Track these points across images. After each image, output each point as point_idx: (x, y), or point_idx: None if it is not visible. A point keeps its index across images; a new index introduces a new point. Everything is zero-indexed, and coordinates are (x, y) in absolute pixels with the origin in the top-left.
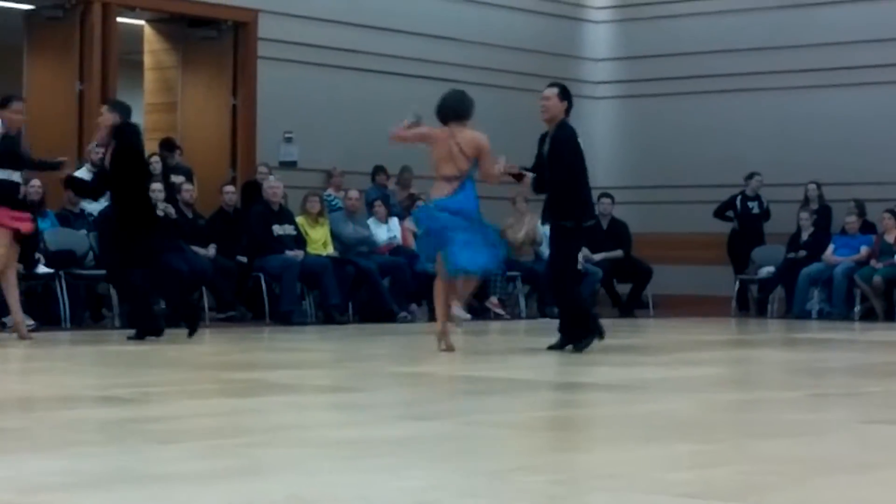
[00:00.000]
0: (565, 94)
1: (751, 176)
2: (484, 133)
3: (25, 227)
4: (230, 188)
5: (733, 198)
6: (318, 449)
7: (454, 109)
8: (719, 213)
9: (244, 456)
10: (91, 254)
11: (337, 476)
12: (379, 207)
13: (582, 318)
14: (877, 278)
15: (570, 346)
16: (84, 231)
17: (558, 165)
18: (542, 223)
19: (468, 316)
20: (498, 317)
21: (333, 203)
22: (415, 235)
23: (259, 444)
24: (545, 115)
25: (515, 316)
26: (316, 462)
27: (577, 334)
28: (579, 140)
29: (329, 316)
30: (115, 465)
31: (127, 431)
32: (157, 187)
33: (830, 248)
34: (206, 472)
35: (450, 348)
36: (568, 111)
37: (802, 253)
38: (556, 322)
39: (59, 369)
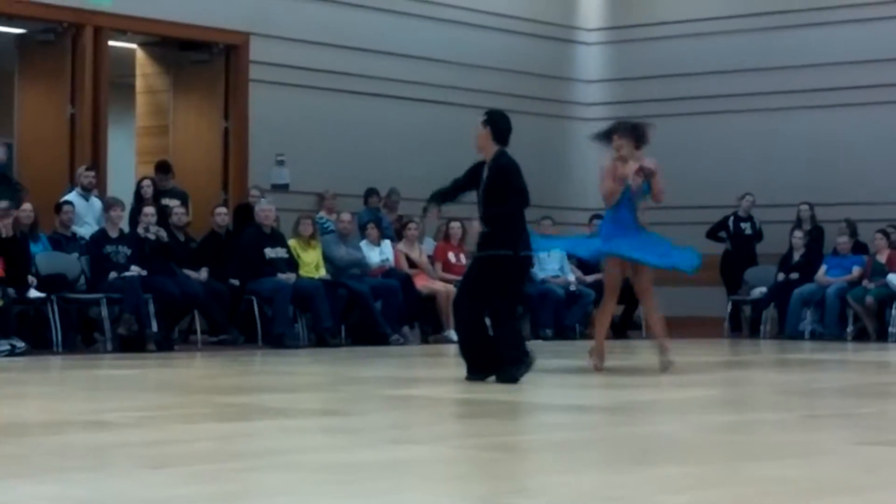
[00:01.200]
0: (488, 122)
1: (742, 196)
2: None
3: None
4: (222, 210)
5: (726, 219)
6: (310, 473)
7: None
8: (712, 234)
9: (236, 481)
10: (83, 277)
11: (329, 500)
12: (372, 230)
13: (517, 346)
14: (869, 298)
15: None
16: (76, 255)
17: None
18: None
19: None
20: None
21: (326, 226)
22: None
23: (251, 469)
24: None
25: None
26: (308, 486)
27: (509, 362)
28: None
29: (321, 339)
30: (106, 491)
31: (119, 456)
32: (148, 211)
33: (823, 268)
34: (198, 497)
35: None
36: (498, 138)
37: (795, 275)
38: (549, 343)
39: (50, 394)
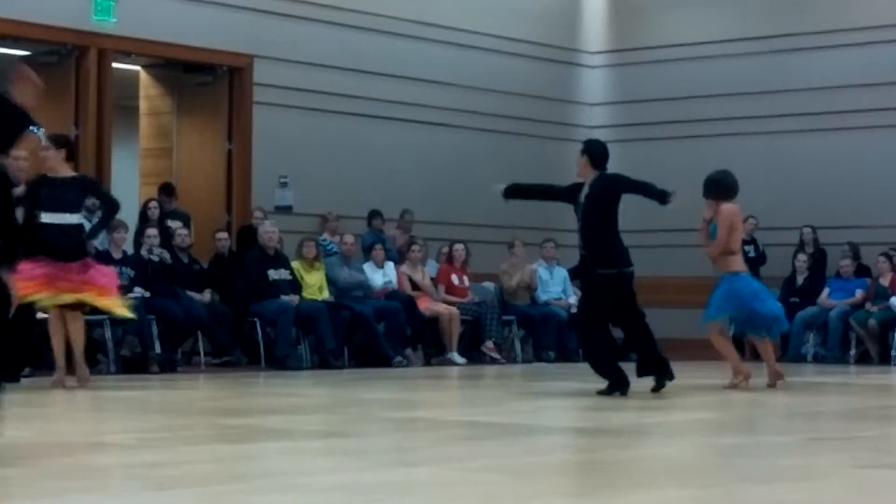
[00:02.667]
0: (585, 150)
1: (745, 219)
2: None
3: None
4: (223, 234)
5: None
6: (313, 495)
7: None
8: None
9: (239, 502)
10: None
11: None
12: (378, 252)
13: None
14: (872, 322)
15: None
16: None
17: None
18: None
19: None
20: (493, 361)
21: (329, 248)
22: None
23: (254, 491)
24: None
25: (511, 360)
26: None
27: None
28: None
29: (324, 360)
30: None
31: (122, 478)
32: (151, 233)
33: (826, 291)
34: None
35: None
36: (596, 164)
37: (795, 299)
38: (552, 366)
39: (53, 415)
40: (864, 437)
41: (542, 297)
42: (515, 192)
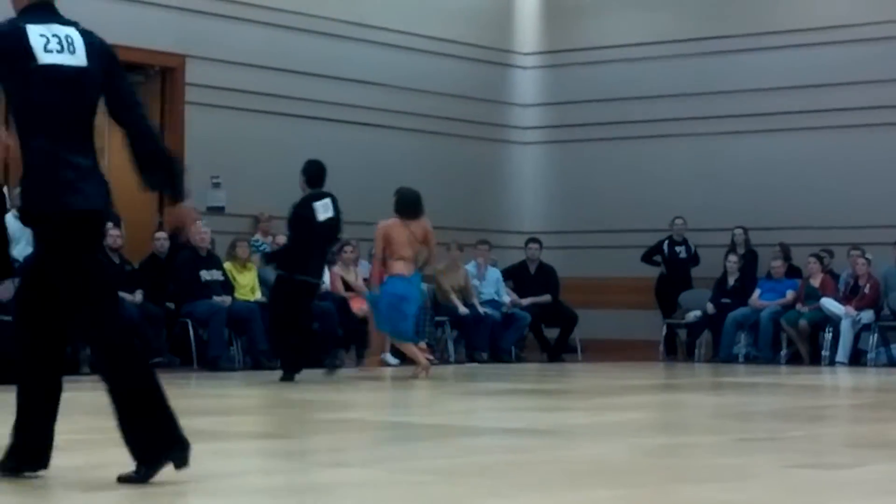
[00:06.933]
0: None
1: (673, 220)
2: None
3: None
4: (161, 234)
5: (660, 243)
6: (245, 497)
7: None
8: (647, 258)
9: None
10: None
11: None
12: None
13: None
14: (802, 322)
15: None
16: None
17: None
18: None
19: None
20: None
21: (261, 248)
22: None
23: (185, 493)
24: None
25: (444, 361)
26: None
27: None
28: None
29: (257, 361)
30: None
31: (49, 481)
32: None
33: (757, 292)
34: None
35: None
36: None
37: (726, 300)
38: (484, 367)
39: None
40: (795, 438)
41: (475, 299)
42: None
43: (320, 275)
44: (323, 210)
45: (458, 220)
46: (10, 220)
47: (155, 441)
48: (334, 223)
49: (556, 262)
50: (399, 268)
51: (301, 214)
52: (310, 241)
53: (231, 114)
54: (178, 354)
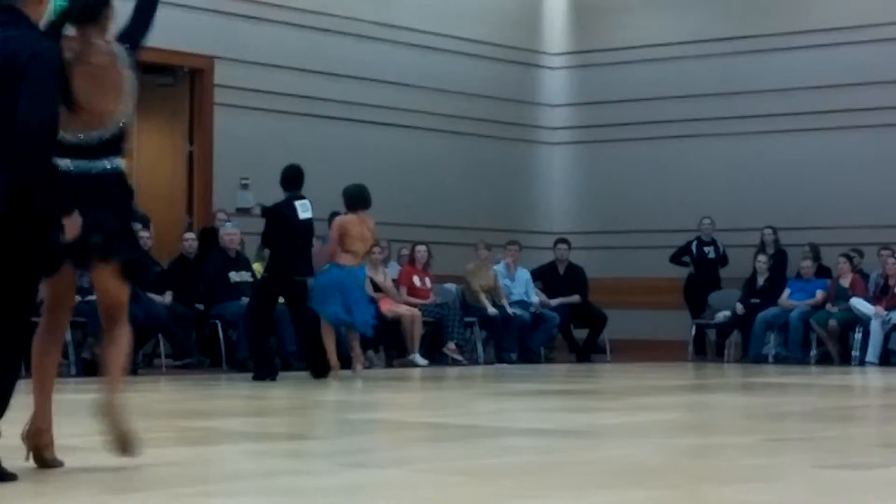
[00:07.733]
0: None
1: (701, 220)
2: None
3: None
4: (190, 235)
5: (689, 243)
6: (275, 497)
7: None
8: (675, 259)
9: None
10: None
11: None
12: None
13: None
14: (832, 322)
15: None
16: None
17: None
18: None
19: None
20: (455, 362)
21: None
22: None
23: (216, 494)
24: None
25: (473, 361)
26: None
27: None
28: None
29: (286, 362)
30: None
31: (82, 482)
32: None
33: (786, 292)
34: None
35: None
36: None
37: (756, 300)
38: (512, 367)
39: (12, 419)
40: (825, 438)
41: (505, 301)
42: None
43: (311, 272)
44: (302, 210)
45: (486, 220)
46: None
47: None
48: (311, 224)
49: (585, 262)
50: (346, 259)
51: (283, 212)
52: (294, 240)
53: (259, 115)
54: (208, 355)
